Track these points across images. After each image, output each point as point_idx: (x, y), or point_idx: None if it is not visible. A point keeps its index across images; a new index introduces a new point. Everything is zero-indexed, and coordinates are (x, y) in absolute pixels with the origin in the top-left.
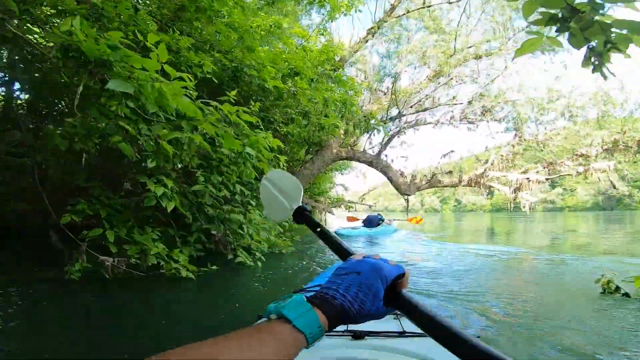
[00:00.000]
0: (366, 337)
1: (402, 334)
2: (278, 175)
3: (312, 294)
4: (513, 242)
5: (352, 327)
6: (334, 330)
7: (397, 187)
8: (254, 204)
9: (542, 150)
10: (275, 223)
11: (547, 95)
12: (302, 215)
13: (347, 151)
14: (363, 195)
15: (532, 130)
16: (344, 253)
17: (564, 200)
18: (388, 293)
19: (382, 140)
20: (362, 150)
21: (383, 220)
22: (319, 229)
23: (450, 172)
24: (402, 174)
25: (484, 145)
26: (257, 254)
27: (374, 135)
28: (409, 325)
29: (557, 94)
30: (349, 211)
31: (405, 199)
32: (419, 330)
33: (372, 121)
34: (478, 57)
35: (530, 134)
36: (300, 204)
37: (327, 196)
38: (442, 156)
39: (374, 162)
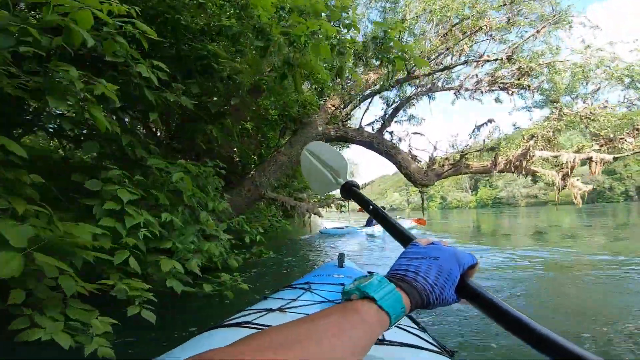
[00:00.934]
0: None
1: (381, 342)
2: (320, 148)
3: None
4: (544, 241)
5: None
6: None
7: (410, 176)
8: None
9: (587, 126)
10: None
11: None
12: (350, 191)
13: (336, 129)
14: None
15: (569, 101)
16: (405, 237)
17: (547, 195)
18: (462, 286)
19: (384, 114)
20: (357, 127)
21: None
22: (371, 207)
23: (492, 148)
24: (414, 158)
25: (511, 122)
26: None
27: (372, 105)
28: (390, 334)
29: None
30: (340, 211)
31: (420, 191)
32: (400, 339)
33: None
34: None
35: (569, 106)
36: (348, 179)
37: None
38: (475, 128)
39: (375, 142)
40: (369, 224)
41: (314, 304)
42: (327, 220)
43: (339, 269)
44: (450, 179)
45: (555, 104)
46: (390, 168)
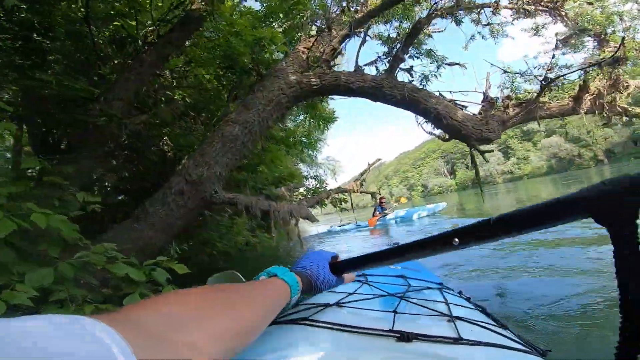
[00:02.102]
0: (414, 340)
1: (457, 341)
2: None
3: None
4: None
5: (397, 326)
6: (378, 329)
7: (457, 129)
8: None
9: None
10: None
11: None
12: (340, 267)
13: (321, 74)
14: (360, 179)
15: None
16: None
17: (521, 169)
18: (333, 268)
19: (393, 46)
20: (354, 70)
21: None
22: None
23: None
24: (453, 103)
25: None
26: None
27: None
28: (466, 332)
29: None
30: (339, 209)
31: (473, 155)
32: (478, 338)
33: None
34: None
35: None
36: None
37: (297, 184)
38: (558, 43)
39: (387, 85)
40: (381, 211)
41: (374, 297)
42: (322, 224)
43: None
44: (428, 165)
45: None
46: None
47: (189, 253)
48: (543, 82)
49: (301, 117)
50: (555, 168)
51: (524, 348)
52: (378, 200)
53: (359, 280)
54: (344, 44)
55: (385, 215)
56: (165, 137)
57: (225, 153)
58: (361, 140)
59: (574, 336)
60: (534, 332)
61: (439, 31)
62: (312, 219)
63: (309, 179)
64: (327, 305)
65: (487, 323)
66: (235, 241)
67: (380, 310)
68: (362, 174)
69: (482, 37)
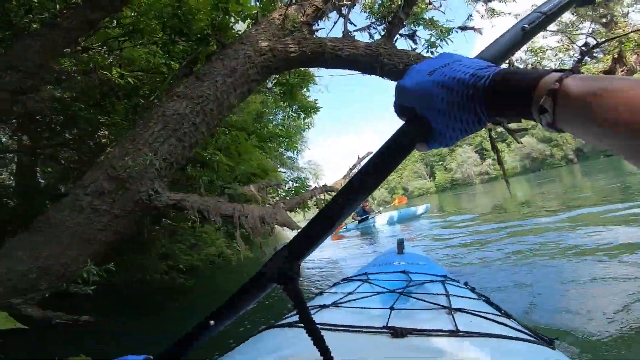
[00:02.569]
0: (408, 335)
1: (453, 333)
2: None
3: None
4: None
5: (394, 323)
6: (372, 327)
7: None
8: None
9: None
10: None
11: None
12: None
13: (300, 41)
14: (350, 174)
15: None
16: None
17: (497, 170)
18: None
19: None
20: (342, 36)
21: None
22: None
23: None
24: None
25: None
26: None
27: None
28: (465, 324)
29: None
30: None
31: (494, 140)
32: (478, 329)
33: None
34: None
35: None
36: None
37: (272, 182)
38: None
39: (385, 54)
40: (363, 216)
41: (373, 295)
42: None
43: (398, 256)
44: (408, 169)
45: None
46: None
47: (125, 273)
48: (583, 48)
49: (280, 116)
50: (529, 168)
51: (528, 338)
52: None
53: (359, 279)
54: (329, 1)
55: (366, 219)
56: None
57: (167, 138)
58: (333, 147)
59: (581, 326)
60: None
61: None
62: (291, 226)
63: (290, 182)
64: (322, 306)
65: (490, 313)
66: (206, 253)
67: (378, 308)
68: (351, 169)
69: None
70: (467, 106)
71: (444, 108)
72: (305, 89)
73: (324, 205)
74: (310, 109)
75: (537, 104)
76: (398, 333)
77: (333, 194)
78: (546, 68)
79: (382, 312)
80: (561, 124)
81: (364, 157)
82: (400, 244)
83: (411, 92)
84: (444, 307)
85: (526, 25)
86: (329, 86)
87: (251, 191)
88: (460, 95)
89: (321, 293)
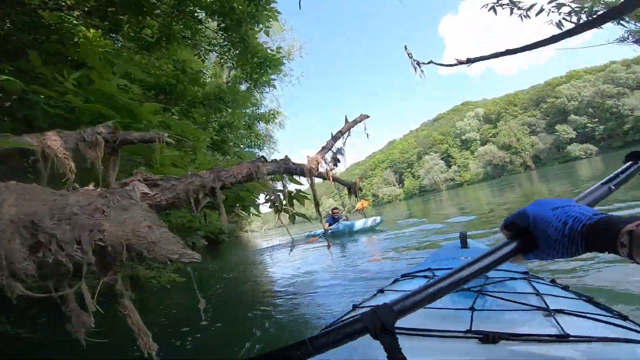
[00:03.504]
0: (502, 341)
1: (562, 338)
2: None
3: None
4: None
5: (477, 326)
6: (455, 331)
7: None
8: None
9: None
10: None
11: None
12: None
13: None
14: (335, 150)
15: None
16: None
17: (461, 176)
18: None
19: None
20: None
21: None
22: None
23: None
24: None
25: None
26: None
27: None
28: (572, 327)
29: None
30: (293, 217)
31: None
32: (590, 333)
33: None
34: None
35: None
36: None
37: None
38: None
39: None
40: (332, 223)
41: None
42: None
43: (463, 250)
44: (378, 176)
45: None
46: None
47: None
48: None
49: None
50: (491, 174)
51: None
52: (331, 211)
53: (424, 276)
54: None
55: (334, 224)
56: None
57: None
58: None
59: None
60: None
61: None
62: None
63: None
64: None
65: (600, 314)
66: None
67: (454, 309)
68: (335, 139)
69: None
70: (574, 239)
71: (555, 235)
72: (261, 29)
73: (275, 203)
74: (272, 63)
75: (619, 240)
76: (489, 338)
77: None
78: None
79: (460, 314)
80: (634, 255)
81: (359, 119)
82: (464, 236)
83: (532, 218)
84: (541, 309)
85: (612, 187)
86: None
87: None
88: (571, 229)
89: (382, 291)
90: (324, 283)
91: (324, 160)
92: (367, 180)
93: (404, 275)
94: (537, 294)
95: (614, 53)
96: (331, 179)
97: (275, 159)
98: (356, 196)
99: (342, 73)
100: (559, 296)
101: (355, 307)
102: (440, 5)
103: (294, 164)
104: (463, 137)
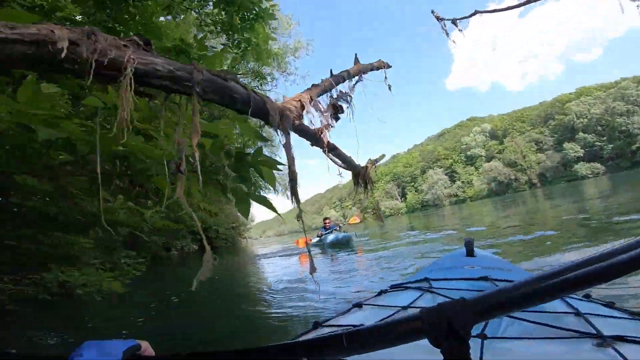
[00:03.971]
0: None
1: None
2: None
3: None
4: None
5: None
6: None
7: None
8: None
9: None
10: None
11: None
12: None
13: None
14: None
15: None
16: None
17: (465, 192)
18: None
19: None
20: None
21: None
22: None
23: None
24: None
25: None
26: None
27: None
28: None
29: None
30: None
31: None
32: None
33: None
34: None
35: None
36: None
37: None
38: None
39: None
40: (325, 232)
41: None
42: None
43: (469, 259)
44: (381, 189)
45: None
46: (322, 186)
47: None
48: None
49: None
50: (495, 191)
51: None
52: (323, 221)
53: (417, 287)
54: None
55: (324, 235)
56: None
57: None
58: (310, 166)
59: None
60: None
61: None
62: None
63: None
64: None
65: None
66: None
67: None
68: (337, 79)
69: None
70: None
71: None
72: None
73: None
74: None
75: None
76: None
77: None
78: None
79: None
80: None
81: (376, 67)
82: (470, 244)
83: None
84: (590, 335)
85: None
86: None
87: None
88: None
89: (359, 305)
90: (288, 295)
91: (316, 106)
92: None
93: (393, 287)
94: (577, 313)
95: (625, 70)
96: (326, 146)
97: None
98: (366, 187)
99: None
100: (607, 316)
101: (317, 324)
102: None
103: (255, 93)
104: (468, 153)
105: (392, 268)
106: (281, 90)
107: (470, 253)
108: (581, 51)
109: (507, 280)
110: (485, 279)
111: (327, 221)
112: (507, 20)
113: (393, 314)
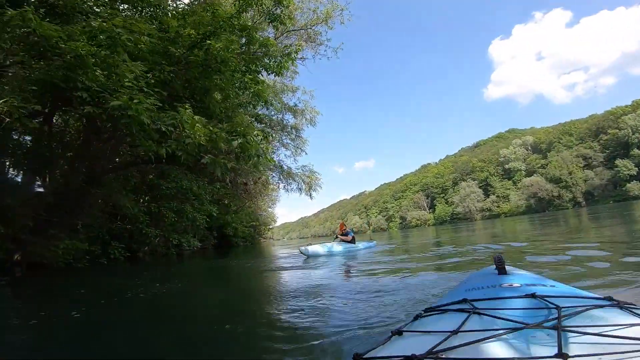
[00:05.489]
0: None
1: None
2: None
3: None
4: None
5: None
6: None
7: None
8: None
9: None
10: None
11: None
12: None
13: None
14: None
15: None
16: None
17: (499, 207)
18: None
19: None
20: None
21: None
22: None
23: None
24: None
25: None
26: None
27: None
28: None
29: None
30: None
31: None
32: None
33: None
34: None
35: None
36: None
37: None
38: None
39: None
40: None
41: (501, 332)
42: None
43: (502, 276)
44: (408, 198)
45: None
46: (348, 191)
47: None
48: None
49: None
50: (534, 207)
51: None
52: (339, 226)
53: (462, 310)
54: None
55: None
56: None
57: None
58: (337, 173)
59: None
60: None
61: None
62: None
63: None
64: (411, 358)
65: None
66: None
67: (526, 358)
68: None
69: None
70: None
71: None
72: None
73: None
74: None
75: None
76: None
77: None
78: None
79: None
80: None
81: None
82: (500, 261)
83: None
84: None
85: None
86: None
87: None
88: None
89: (399, 332)
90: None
91: None
92: (396, 202)
93: (428, 310)
94: None
95: None
96: None
97: None
98: None
99: (382, 90)
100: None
101: (358, 356)
102: (489, 30)
103: None
104: (506, 166)
105: (416, 286)
106: (310, 66)
107: (502, 271)
108: (637, 63)
109: (556, 297)
110: (532, 296)
111: (342, 226)
112: (553, 29)
113: (444, 340)
